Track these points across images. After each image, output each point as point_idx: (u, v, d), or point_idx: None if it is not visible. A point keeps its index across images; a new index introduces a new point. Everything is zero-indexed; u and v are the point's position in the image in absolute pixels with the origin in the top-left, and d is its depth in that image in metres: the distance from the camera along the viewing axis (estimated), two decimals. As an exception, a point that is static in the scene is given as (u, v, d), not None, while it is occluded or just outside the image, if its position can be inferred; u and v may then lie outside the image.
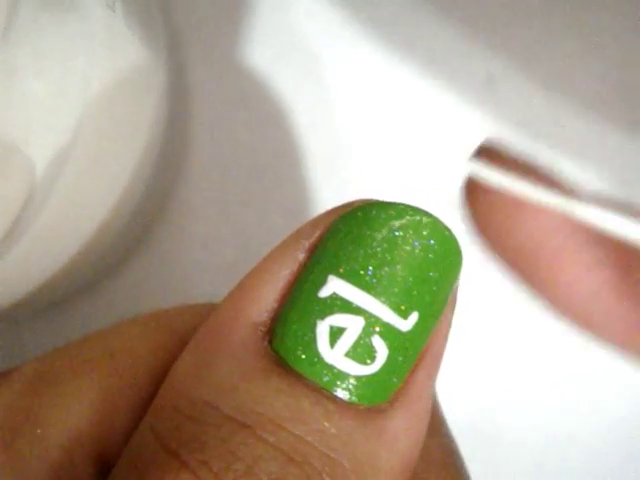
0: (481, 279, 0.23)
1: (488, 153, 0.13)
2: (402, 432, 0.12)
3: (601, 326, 0.14)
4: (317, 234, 0.13)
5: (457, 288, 0.13)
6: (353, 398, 0.12)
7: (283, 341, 0.12)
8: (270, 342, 0.12)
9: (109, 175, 0.18)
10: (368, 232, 0.12)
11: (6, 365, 0.16)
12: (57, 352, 0.14)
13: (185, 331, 0.14)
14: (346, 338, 0.12)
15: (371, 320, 0.12)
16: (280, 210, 0.24)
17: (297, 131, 0.24)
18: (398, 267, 0.12)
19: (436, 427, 0.15)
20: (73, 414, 0.13)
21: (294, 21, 0.23)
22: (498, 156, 0.13)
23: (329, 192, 0.24)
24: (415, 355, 0.12)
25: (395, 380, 0.12)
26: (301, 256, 0.13)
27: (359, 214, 0.12)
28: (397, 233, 0.12)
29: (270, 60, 0.23)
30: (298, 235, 0.13)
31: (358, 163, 0.24)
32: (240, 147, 0.23)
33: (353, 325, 0.12)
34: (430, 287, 0.12)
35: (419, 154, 0.24)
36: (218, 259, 0.24)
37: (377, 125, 0.24)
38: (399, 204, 0.12)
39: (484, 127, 0.23)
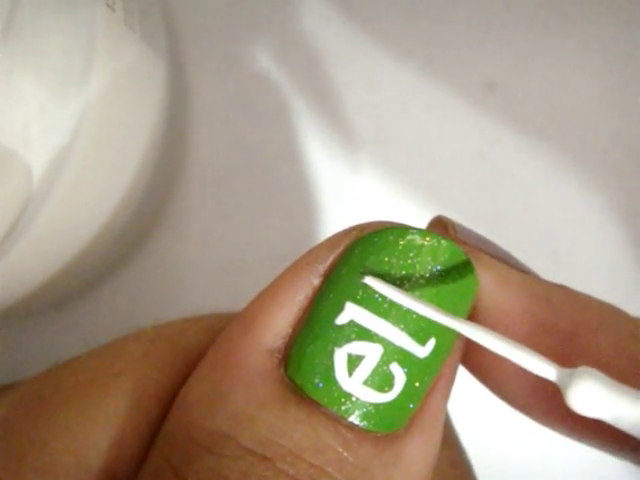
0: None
1: (441, 226, 0.13)
2: (418, 456, 0.12)
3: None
4: (332, 258, 0.12)
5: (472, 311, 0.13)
6: (371, 426, 0.12)
7: (299, 369, 0.12)
8: (285, 369, 0.12)
9: (108, 176, 0.18)
10: (386, 258, 0.12)
11: (6, 365, 0.16)
12: (60, 370, 0.14)
13: (191, 348, 0.14)
14: (364, 366, 0.12)
15: (389, 348, 0.12)
16: (280, 211, 0.23)
17: (297, 131, 0.23)
18: (417, 293, 0.12)
19: (445, 438, 0.15)
20: (81, 440, 0.13)
21: (294, 20, 0.23)
22: (451, 230, 0.13)
23: (329, 192, 0.24)
24: (431, 380, 0.12)
25: (411, 406, 0.12)
26: (316, 281, 0.12)
27: (376, 239, 0.12)
28: (415, 259, 0.12)
29: (270, 60, 0.23)
30: (312, 259, 0.12)
31: (358, 163, 0.24)
32: (240, 147, 0.23)
33: (371, 353, 0.12)
34: (448, 312, 0.12)
35: (419, 154, 0.24)
36: (217, 260, 0.24)
37: (377, 124, 0.24)
38: (416, 229, 0.12)
39: (483, 130, 0.23)
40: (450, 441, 0.15)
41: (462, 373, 0.14)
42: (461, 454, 0.15)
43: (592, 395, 0.10)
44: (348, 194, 0.24)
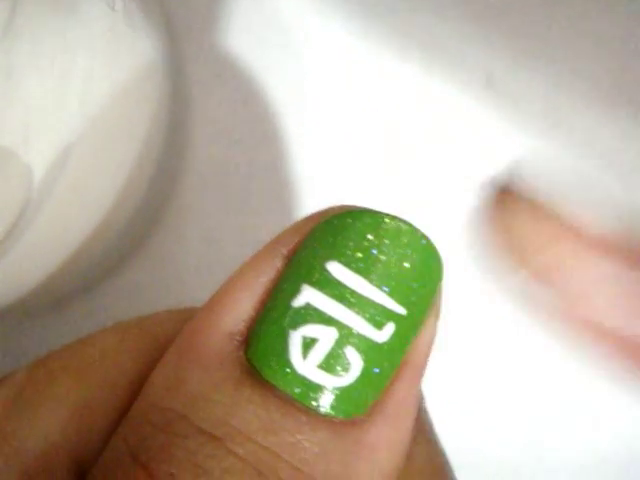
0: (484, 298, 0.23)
1: (506, 191, 0.13)
2: (381, 445, 0.12)
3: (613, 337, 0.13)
4: (295, 241, 0.12)
5: (439, 299, 0.13)
6: (327, 410, 0.12)
7: (256, 351, 0.12)
8: (246, 351, 0.12)
9: (109, 175, 0.18)
10: (343, 241, 0.12)
11: (6, 365, 0.16)
12: (37, 362, 0.14)
13: (166, 338, 0.14)
14: (319, 349, 0.12)
15: (344, 331, 0.12)
16: (280, 211, 0.23)
17: (297, 131, 0.23)
18: (373, 277, 0.12)
19: (421, 433, 0.15)
20: (50, 424, 0.13)
21: (294, 20, 0.23)
22: (517, 197, 0.13)
23: (329, 193, 0.24)
24: (393, 367, 0.12)
25: (372, 392, 0.12)
26: (279, 263, 0.12)
27: (335, 222, 0.12)
28: (372, 242, 0.12)
29: (271, 60, 0.23)
30: (276, 242, 0.13)
31: (358, 161, 0.24)
32: (240, 147, 0.23)
33: (326, 336, 0.12)
34: (408, 298, 0.12)
35: (417, 151, 0.24)
36: (217, 260, 0.24)
37: (377, 124, 0.24)
38: (375, 212, 0.12)
39: (485, 125, 0.23)
40: (427, 437, 0.15)
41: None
42: (438, 450, 0.15)
43: None
44: (348, 194, 0.24)
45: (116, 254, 0.22)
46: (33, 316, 0.23)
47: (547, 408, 0.24)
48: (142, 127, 0.19)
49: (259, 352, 0.12)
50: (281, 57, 0.23)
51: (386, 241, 0.12)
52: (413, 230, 0.12)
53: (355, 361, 0.12)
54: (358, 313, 0.12)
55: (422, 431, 0.15)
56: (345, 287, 0.12)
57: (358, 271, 0.12)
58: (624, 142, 0.23)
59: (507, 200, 0.13)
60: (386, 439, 0.12)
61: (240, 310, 0.12)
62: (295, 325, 0.12)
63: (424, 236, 0.12)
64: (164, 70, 0.20)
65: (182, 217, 0.24)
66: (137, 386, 0.13)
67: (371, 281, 0.12)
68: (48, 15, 0.15)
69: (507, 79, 0.23)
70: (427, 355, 0.13)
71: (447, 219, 0.22)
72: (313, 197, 0.24)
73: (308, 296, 0.12)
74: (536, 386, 0.23)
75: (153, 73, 0.19)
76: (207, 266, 0.24)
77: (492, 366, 0.23)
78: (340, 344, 0.12)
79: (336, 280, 0.12)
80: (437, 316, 0.13)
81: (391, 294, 0.12)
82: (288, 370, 0.12)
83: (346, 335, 0.12)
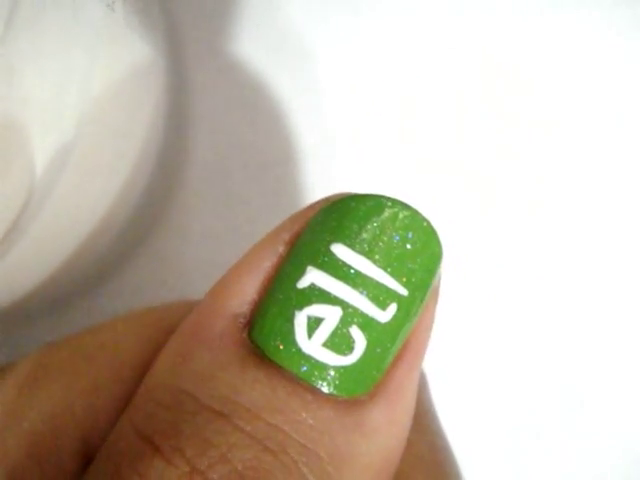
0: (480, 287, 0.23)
1: None
2: (383, 425, 0.12)
3: None
4: (297, 227, 0.13)
5: (439, 281, 0.13)
6: (331, 389, 0.12)
7: (261, 331, 0.12)
8: (249, 333, 0.12)
9: (109, 175, 0.18)
10: (346, 224, 0.12)
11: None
12: (48, 346, 0.15)
13: (175, 327, 0.14)
14: (324, 328, 0.12)
15: (349, 310, 0.12)
16: (280, 211, 0.23)
17: (297, 131, 0.23)
18: (376, 258, 0.12)
19: (425, 424, 0.15)
20: (58, 407, 0.14)
21: (294, 20, 0.23)
22: None
23: (331, 192, 0.24)
24: (395, 348, 0.12)
25: (375, 372, 0.12)
26: (281, 249, 0.13)
27: (339, 205, 0.13)
28: (375, 224, 0.12)
29: (270, 60, 0.23)
30: (279, 229, 0.13)
31: (359, 161, 0.24)
32: (240, 147, 0.23)
33: (331, 315, 0.12)
34: (409, 279, 0.12)
35: (420, 152, 0.24)
36: (218, 259, 0.24)
37: (378, 124, 0.24)
38: (377, 196, 0.12)
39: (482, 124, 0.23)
40: (431, 427, 0.15)
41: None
42: (442, 441, 0.15)
43: None
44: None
45: (116, 254, 0.22)
46: (33, 316, 0.23)
47: (547, 408, 0.24)
48: (142, 127, 0.19)
49: (264, 332, 0.12)
50: (281, 57, 0.23)
51: (389, 223, 0.12)
52: (414, 213, 0.12)
53: (359, 340, 0.12)
54: (362, 293, 0.12)
55: (424, 421, 0.15)
56: (349, 267, 0.12)
57: (362, 252, 0.12)
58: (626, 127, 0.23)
59: None
60: (387, 419, 0.12)
61: (244, 293, 0.12)
62: (300, 305, 0.12)
63: (425, 219, 0.12)
64: (164, 70, 0.20)
65: (182, 217, 0.24)
66: (145, 371, 0.13)
67: (375, 262, 0.12)
68: (48, 15, 0.15)
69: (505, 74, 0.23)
70: (427, 338, 0.13)
71: (443, 217, 0.22)
72: (314, 196, 0.24)
73: (313, 277, 0.12)
74: (536, 386, 0.23)
75: (153, 73, 0.19)
76: (207, 266, 0.24)
77: (492, 365, 0.23)
78: (345, 323, 0.12)
79: (341, 261, 0.12)
80: (436, 300, 0.13)
81: (393, 274, 0.12)
82: (294, 349, 0.12)
83: (350, 314, 0.12)
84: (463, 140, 0.23)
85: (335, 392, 0.12)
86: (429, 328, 0.13)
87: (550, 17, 0.23)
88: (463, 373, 0.23)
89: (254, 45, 0.23)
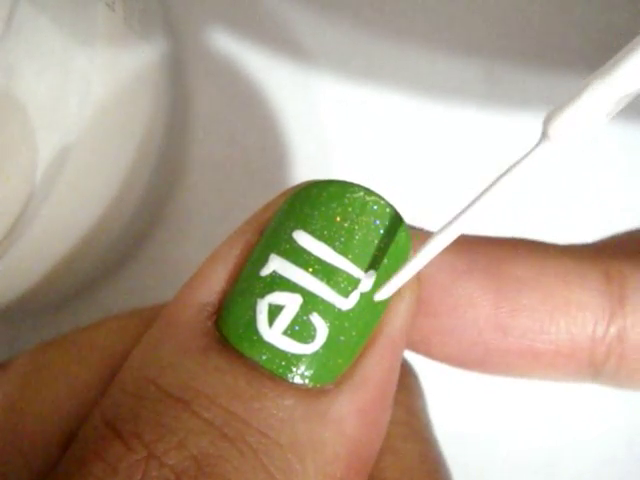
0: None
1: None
2: (349, 415, 0.12)
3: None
4: (267, 216, 0.13)
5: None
6: (294, 377, 0.12)
7: (226, 320, 0.12)
8: (217, 322, 0.12)
9: (108, 175, 0.18)
10: (307, 210, 0.12)
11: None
12: (43, 345, 0.15)
13: None
14: (284, 316, 0.12)
15: (309, 298, 0.12)
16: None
17: (297, 131, 0.23)
18: (337, 244, 0.12)
19: (416, 431, 0.15)
20: (47, 404, 0.14)
21: (294, 21, 0.23)
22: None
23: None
24: (362, 337, 0.12)
25: (340, 361, 0.12)
26: (251, 237, 0.13)
27: (302, 193, 0.12)
28: (337, 211, 0.12)
29: (270, 60, 0.23)
30: (250, 218, 0.13)
31: (358, 161, 0.24)
32: (240, 147, 0.23)
33: (291, 303, 0.12)
34: (373, 266, 0.12)
35: (417, 151, 0.24)
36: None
37: (377, 124, 0.24)
38: (340, 182, 0.12)
39: (482, 122, 0.23)
40: (423, 435, 0.15)
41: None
42: (433, 449, 0.15)
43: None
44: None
45: (116, 254, 0.22)
46: (33, 316, 0.23)
47: (547, 408, 0.24)
48: (142, 127, 0.19)
49: (229, 321, 0.12)
50: (281, 57, 0.23)
51: (350, 209, 0.12)
52: (378, 199, 0.12)
53: (321, 328, 0.12)
54: (322, 280, 0.12)
55: (414, 428, 0.15)
56: (310, 255, 0.12)
57: (323, 239, 0.12)
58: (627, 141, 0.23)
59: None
60: (353, 409, 0.12)
61: (212, 282, 0.12)
62: (262, 293, 0.12)
63: (389, 204, 0.12)
64: (164, 70, 0.20)
65: (182, 217, 0.24)
66: None
67: (335, 249, 0.12)
68: (48, 15, 0.15)
69: (505, 74, 0.23)
70: (402, 328, 0.13)
71: (442, 217, 0.22)
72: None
73: (275, 265, 0.12)
74: (536, 386, 0.23)
75: (153, 73, 0.19)
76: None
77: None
78: (305, 310, 0.12)
79: (301, 248, 0.12)
80: (413, 290, 0.13)
81: (355, 261, 0.12)
82: (255, 337, 0.12)
83: (310, 302, 0.12)
84: (462, 143, 0.23)
85: (298, 380, 0.12)
86: (405, 318, 0.13)
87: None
88: (458, 379, 0.23)
89: (254, 45, 0.23)
